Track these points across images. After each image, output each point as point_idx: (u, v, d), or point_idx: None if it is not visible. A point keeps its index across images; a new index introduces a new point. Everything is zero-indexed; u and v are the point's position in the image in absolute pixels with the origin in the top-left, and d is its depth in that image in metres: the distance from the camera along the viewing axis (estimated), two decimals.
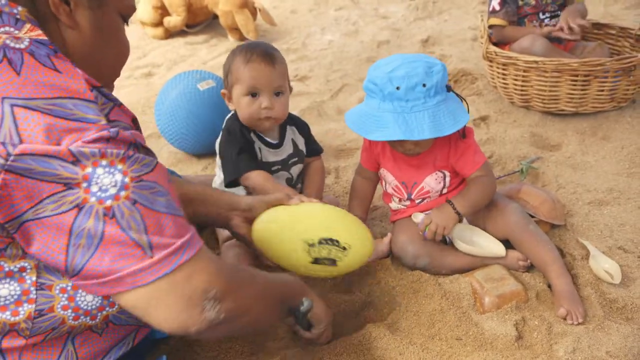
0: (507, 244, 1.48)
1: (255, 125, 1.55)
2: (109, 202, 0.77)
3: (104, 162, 0.77)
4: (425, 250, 1.47)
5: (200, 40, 3.74)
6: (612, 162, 1.99)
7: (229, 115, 1.62)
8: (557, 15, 2.52)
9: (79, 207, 0.76)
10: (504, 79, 2.38)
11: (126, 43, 1.01)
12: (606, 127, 2.23)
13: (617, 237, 1.58)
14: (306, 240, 1.22)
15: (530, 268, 1.46)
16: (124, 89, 2.93)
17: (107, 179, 0.77)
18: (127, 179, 0.79)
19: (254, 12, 3.59)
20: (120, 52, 1.00)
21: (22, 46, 0.79)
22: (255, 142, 1.56)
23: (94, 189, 0.76)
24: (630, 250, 1.52)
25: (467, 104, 1.42)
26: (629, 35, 2.51)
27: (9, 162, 0.72)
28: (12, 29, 0.82)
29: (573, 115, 2.30)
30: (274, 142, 1.59)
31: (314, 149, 1.70)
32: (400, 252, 1.50)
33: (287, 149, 1.61)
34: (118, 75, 1.03)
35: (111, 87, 1.04)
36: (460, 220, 1.46)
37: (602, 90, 2.21)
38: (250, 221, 1.33)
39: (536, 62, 2.19)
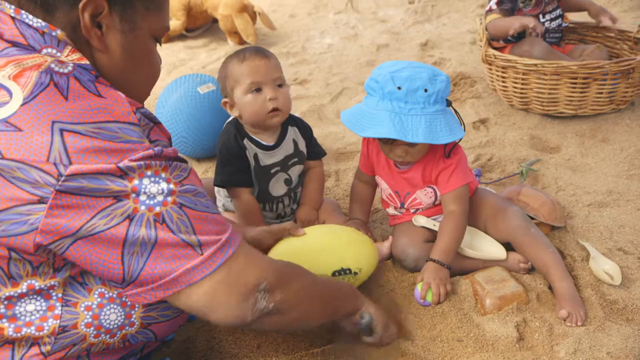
0: (508, 246, 1.48)
1: (263, 123, 1.52)
2: (158, 209, 0.81)
3: (149, 173, 0.81)
4: (425, 253, 1.47)
5: (199, 44, 3.75)
6: (611, 164, 1.99)
7: (229, 119, 1.61)
8: (558, 17, 2.53)
9: (130, 217, 0.79)
10: (503, 81, 2.39)
11: (157, 64, 1.01)
12: (605, 129, 2.23)
13: (617, 238, 1.58)
14: (321, 275, 1.24)
15: (530, 270, 1.46)
16: None
17: (154, 188, 0.81)
18: (172, 185, 0.83)
19: (253, 16, 3.60)
20: (151, 73, 1.01)
21: (66, 71, 0.81)
22: (250, 148, 1.55)
23: (143, 197, 0.80)
24: (630, 251, 1.52)
25: (463, 123, 1.41)
26: (628, 38, 2.52)
27: (60, 183, 0.75)
28: (55, 51, 0.85)
29: (572, 118, 2.31)
30: (270, 144, 1.58)
31: (315, 151, 1.69)
32: (401, 255, 1.50)
33: (285, 150, 1.60)
34: (148, 94, 1.04)
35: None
36: (449, 269, 1.41)
37: (601, 93, 2.22)
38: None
39: (535, 65, 2.20)
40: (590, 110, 2.28)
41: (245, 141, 1.55)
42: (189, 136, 2.09)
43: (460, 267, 1.46)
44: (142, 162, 0.80)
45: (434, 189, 1.49)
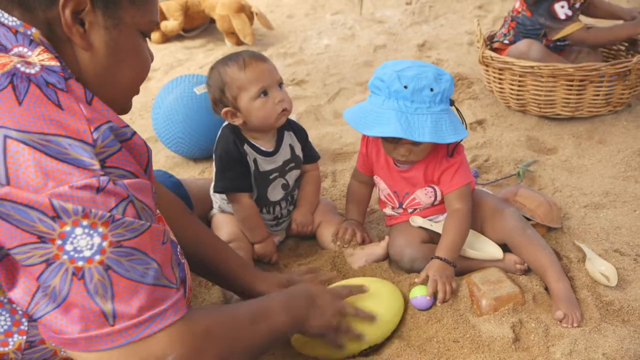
0: (504, 247, 1.48)
1: (272, 124, 1.53)
2: (80, 263, 0.74)
3: (85, 223, 0.73)
4: (422, 254, 1.47)
5: (197, 44, 3.74)
6: (608, 166, 2.00)
7: (223, 125, 1.60)
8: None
9: (48, 262, 0.73)
10: (500, 83, 2.39)
11: (145, 60, 0.96)
12: (602, 130, 2.24)
13: (613, 240, 1.59)
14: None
15: (527, 271, 1.46)
16: None
17: (84, 241, 0.74)
18: (105, 243, 0.75)
19: (250, 16, 3.60)
20: (138, 70, 0.96)
21: (33, 71, 0.78)
22: (250, 154, 1.55)
23: (68, 247, 0.73)
24: (626, 253, 1.52)
25: (465, 123, 1.41)
26: (624, 39, 2.52)
27: None
28: (25, 50, 0.81)
29: (569, 119, 2.32)
30: (269, 150, 1.57)
31: (310, 155, 1.69)
32: (397, 255, 1.50)
33: (283, 155, 1.60)
34: (137, 92, 1.00)
35: (129, 104, 1.01)
36: (455, 267, 1.41)
37: (598, 95, 2.22)
38: None
39: (532, 67, 2.21)
40: (587, 112, 2.28)
41: (246, 146, 1.55)
42: (186, 137, 2.09)
43: (458, 267, 1.46)
44: (79, 207, 0.72)
45: (434, 189, 1.49)
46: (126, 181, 0.79)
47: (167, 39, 3.82)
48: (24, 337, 0.84)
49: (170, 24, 3.68)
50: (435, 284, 1.35)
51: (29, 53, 0.81)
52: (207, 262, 1.27)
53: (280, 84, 1.52)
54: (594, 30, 2.42)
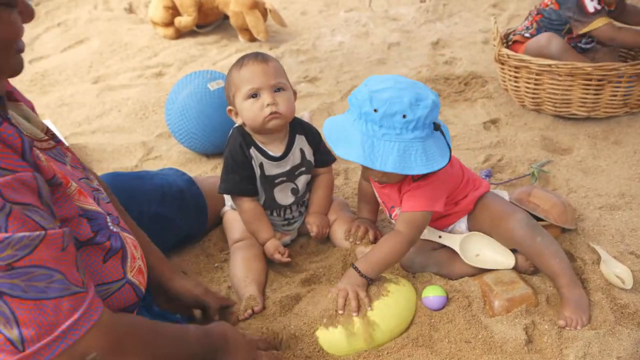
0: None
1: (263, 129, 1.50)
2: None
3: None
4: (433, 260, 1.46)
5: (210, 40, 3.75)
6: (624, 167, 1.97)
7: (235, 125, 1.59)
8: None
9: None
10: (515, 81, 2.37)
11: (9, 27, 0.82)
12: (618, 131, 2.21)
13: (628, 242, 1.57)
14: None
15: (538, 270, 1.45)
16: (134, 88, 2.94)
17: None
18: None
19: (264, 13, 3.59)
20: (2, 42, 0.83)
21: None
22: (256, 157, 1.54)
23: None
24: None
25: (450, 150, 1.29)
26: None
27: None
28: None
29: (585, 120, 2.29)
30: (277, 155, 1.55)
31: (322, 159, 1.65)
32: (407, 262, 1.48)
33: (292, 160, 1.58)
34: (14, 66, 0.88)
35: (11, 66, 0.89)
36: (369, 282, 1.33)
37: (615, 95, 2.20)
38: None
39: (550, 65, 2.18)
40: (603, 113, 2.25)
41: (252, 150, 1.54)
42: (199, 133, 2.09)
43: (469, 272, 1.45)
44: None
45: None
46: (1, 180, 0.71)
47: (180, 34, 3.83)
48: None
49: (184, 20, 3.68)
50: (343, 293, 1.29)
51: None
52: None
53: (278, 89, 1.48)
54: (623, 30, 2.37)
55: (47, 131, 1.09)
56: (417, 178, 1.35)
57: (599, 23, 2.31)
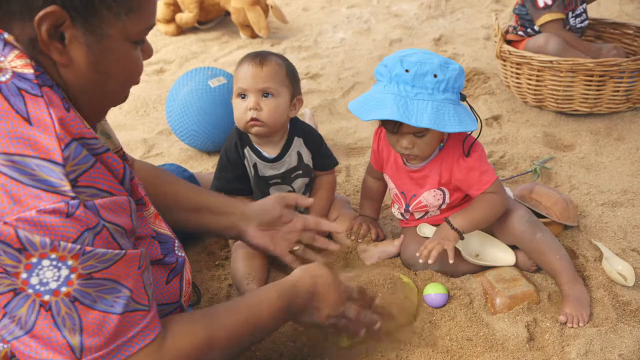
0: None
1: (247, 131, 1.50)
2: (47, 297, 0.72)
3: (53, 256, 0.71)
4: (435, 260, 1.45)
5: (212, 37, 3.74)
6: (626, 163, 1.96)
7: (234, 125, 1.58)
8: (583, 13, 2.49)
9: (16, 291, 0.71)
10: (517, 78, 2.36)
11: (134, 67, 0.89)
12: (621, 127, 2.20)
13: (630, 239, 1.56)
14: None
15: (540, 268, 1.44)
16: (135, 86, 2.94)
17: (50, 272, 0.71)
18: (73, 276, 0.73)
19: (265, 9, 3.59)
20: (127, 79, 0.90)
21: (4, 79, 0.73)
22: (249, 157, 1.53)
23: (34, 281, 0.71)
24: None
25: (480, 119, 1.32)
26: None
27: None
28: None
29: (587, 116, 2.28)
30: (272, 156, 1.54)
31: (322, 163, 1.63)
32: (410, 260, 1.47)
33: (288, 162, 1.56)
34: (126, 96, 0.95)
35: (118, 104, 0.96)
36: (461, 238, 1.38)
37: (618, 91, 2.19)
38: (264, 229, 1.33)
39: (551, 61, 2.17)
40: (606, 109, 2.24)
41: (247, 150, 1.53)
42: (200, 130, 2.09)
43: (471, 269, 1.45)
44: (47, 240, 0.69)
45: (442, 191, 1.44)
46: (98, 201, 0.75)
47: (181, 31, 3.82)
48: (7, 346, 0.80)
49: (185, 16, 3.68)
50: (431, 244, 1.34)
51: (1, 58, 0.76)
52: (193, 221, 1.29)
53: (267, 94, 1.45)
54: (572, 38, 2.40)
55: (120, 149, 1.14)
56: (468, 152, 1.37)
57: (547, 18, 2.38)
